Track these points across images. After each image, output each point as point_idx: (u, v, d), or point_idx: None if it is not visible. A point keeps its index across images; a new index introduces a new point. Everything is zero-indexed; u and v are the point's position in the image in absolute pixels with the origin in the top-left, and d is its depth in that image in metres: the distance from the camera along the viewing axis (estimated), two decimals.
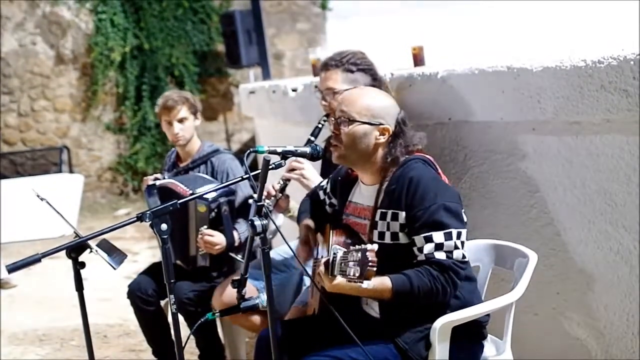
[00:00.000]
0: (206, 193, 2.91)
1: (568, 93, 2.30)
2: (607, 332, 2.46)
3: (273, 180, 2.87)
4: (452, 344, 2.13)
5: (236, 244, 3.16)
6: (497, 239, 2.53)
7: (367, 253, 1.86)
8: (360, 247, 1.91)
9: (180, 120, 3.32)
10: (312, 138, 2.91)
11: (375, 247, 1.88)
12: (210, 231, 3.11)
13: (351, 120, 2.21)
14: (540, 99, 2.41)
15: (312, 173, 2.84)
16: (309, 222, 2.54)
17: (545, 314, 2.67)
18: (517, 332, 2.38)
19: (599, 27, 7.56)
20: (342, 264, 1.93)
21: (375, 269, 1.86)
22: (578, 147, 2.43)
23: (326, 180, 2.60)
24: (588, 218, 2.44)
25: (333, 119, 2.30)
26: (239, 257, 3.12)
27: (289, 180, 2.85)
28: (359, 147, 2.23)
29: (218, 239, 3.11)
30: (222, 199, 3.15)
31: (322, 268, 2.05)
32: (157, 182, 3.21)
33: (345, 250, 1.96)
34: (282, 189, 2.86)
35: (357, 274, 1.87)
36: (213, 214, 3.16)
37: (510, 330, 2.32)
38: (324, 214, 2.56)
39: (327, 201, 2.56)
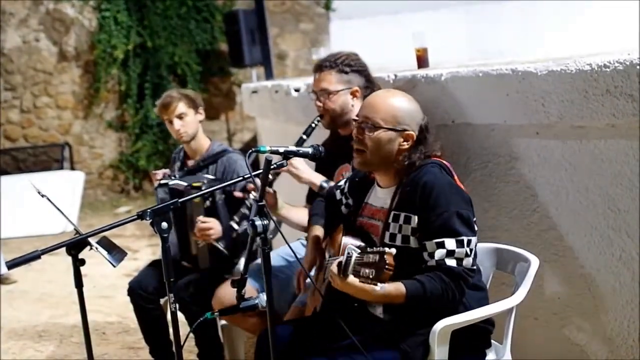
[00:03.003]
0: (205, 191, 2.90)
1: (573, 97, 2.29)
2: (608, 338, 2.45)
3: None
4: (455, 350, 2.11)
5: (234, 230, 3.15)
6: (498, 242, 2.52)
7: (385, 256, 1.85)
8: (378, 249, 1.88)
9: (180, 117, 3.34)
10: (305, 137, 2.89)
11: (394, 251, 1.87)
12: (203, 218, 3.15)
13: (376, 127, 2.20)
14: (544, 102, 2.39)
15: (300, 162, 2.80)
16: (319, 232, 2.51)
17: (546, 319, 2.66)
18: (518, 336, 2.37)
19: (598, 28, 7.54)
20: (357, 265, 1.91)
21: (392, 272, 1.85)
22: (582, 152, 2.41)
23: (344, 180, 2.57)
24: (591, 223, 2.43)
25: (355, 122, 2.27)
26: (220, 246, 3.15)
27: (277, 174, 2.82)
28: (383, 153, 2.22)
29: (212, 224, 3.14)
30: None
31: (334, 267, 2.02)
32: (169, 182, 3.24)
33: (361, 251, 1.93)
34: (270, 183, 2.81)
35: (372, 276, 1.86)
36: (208, 202, 3.20)
37: (510, 334, 2.31)
38: (338, 215, 2.53)
39: (344, 201, 2.53)
